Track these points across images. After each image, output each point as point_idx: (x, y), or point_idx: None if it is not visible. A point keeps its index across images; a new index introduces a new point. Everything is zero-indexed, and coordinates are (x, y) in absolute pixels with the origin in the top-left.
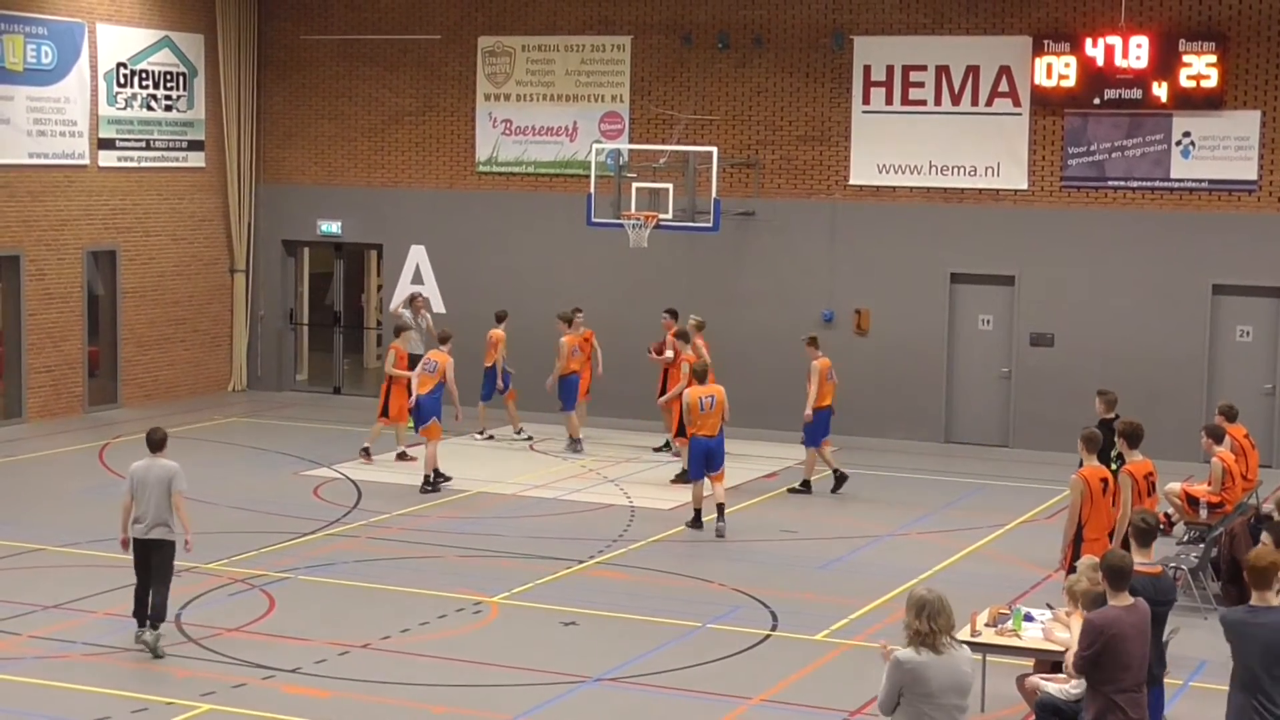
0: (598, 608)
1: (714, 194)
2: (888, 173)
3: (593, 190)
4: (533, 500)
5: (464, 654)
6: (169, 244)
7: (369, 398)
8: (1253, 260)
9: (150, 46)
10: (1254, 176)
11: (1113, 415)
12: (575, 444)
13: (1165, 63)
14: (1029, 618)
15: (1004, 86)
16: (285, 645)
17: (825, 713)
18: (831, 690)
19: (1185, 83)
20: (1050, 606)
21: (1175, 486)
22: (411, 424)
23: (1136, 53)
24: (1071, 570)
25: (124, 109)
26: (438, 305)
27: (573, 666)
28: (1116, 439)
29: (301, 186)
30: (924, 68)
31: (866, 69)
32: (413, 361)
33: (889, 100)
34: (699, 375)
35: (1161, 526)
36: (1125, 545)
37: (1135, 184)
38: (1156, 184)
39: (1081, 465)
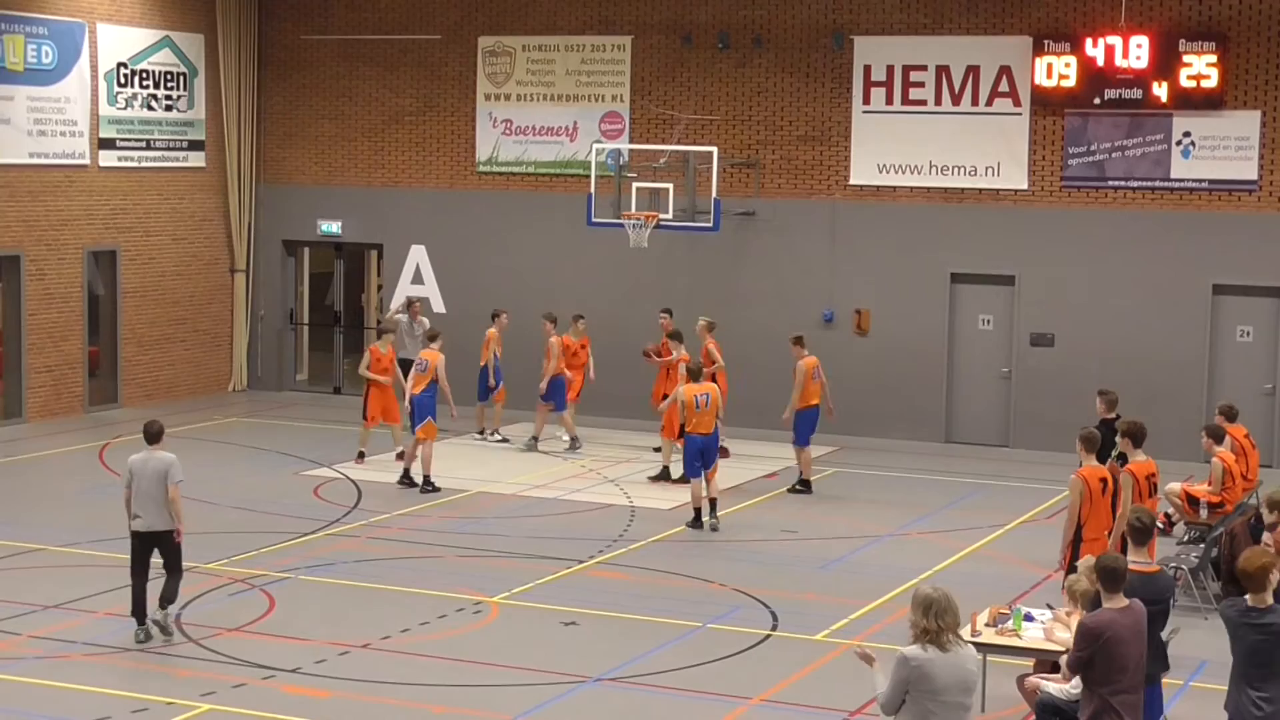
0: (598, 608)
1: (714, 194)
2: (888, 173)
3: (593, 190)
4: (533, 500)
5: (464, 654)
6: (169, 244)
7: None
8: (1253, 260)
9: (151, 46)
10: (1254, 176)
11: (1113, 415)
12: (574, 442)
13: (1165, 63)
14: (1029, 618)
15: (1004, 86)
16: (285, 645)
17: (826, 713)
18: (832, 690)
19: (1185, 83)
20: (1050, 606)
21: (1175, 486)
22: (407, 424)
23: (1137, 53)
24: (1071, 570)
25: (124, 109)
26: (438, 305)
27: (573, 666)
28: (1119, 439)
29: (302, 186)
30: (924, 68)
31: (867, 69)
32: (405, 366)
33: (889, 100)
34: (693, 374)
35: (1162, 526)
36: (1124, 546)
37: (1135, 184)
38: (1157, 184)
39: (1081, 465)
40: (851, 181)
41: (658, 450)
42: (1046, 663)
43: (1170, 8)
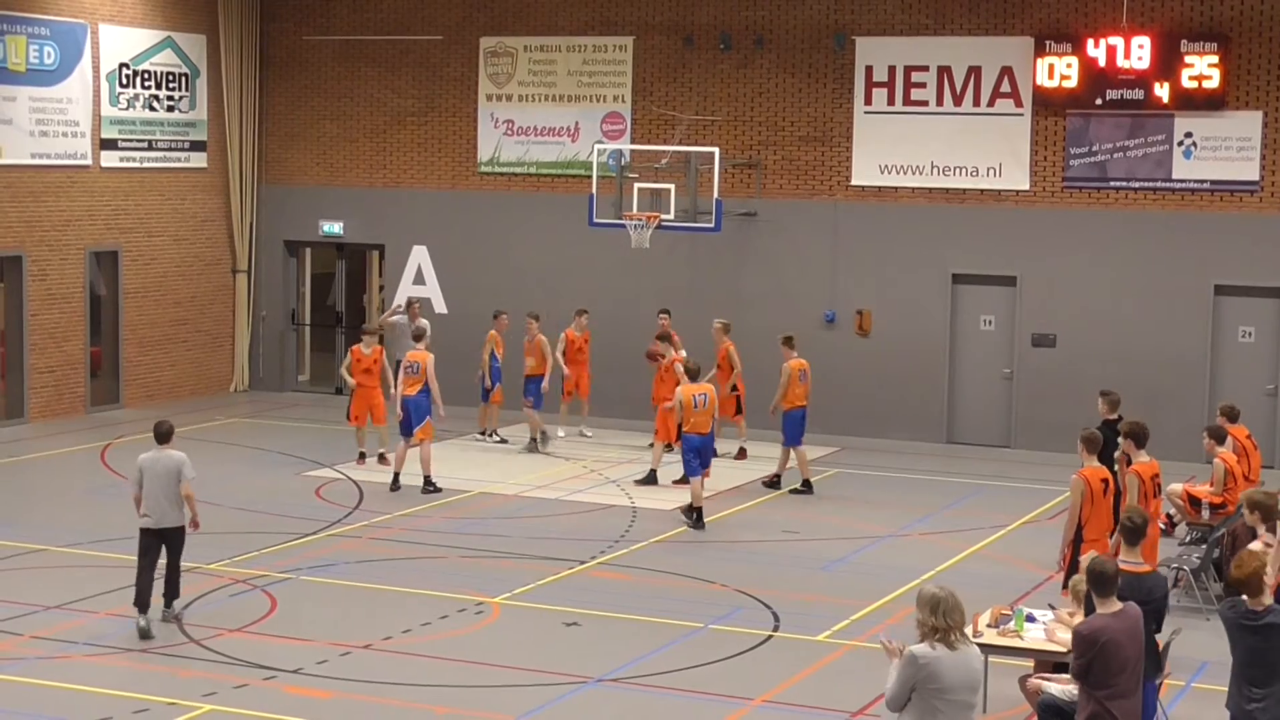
0: (600, 608)
1: (716, 194)
2: (889, 173)
3: (594, 191)
4: (534, 501)
5: (466, 655)
6: (171, 244)
7: None
8: (1254, 261)
9: (153, 47)
10: (1256, 177)
11: (1115, 416)
12: (537, 440)
13: (1167, 63)
14: (1031, 618)
15: (1006, 87)
16: (287, 646)
17: (827, 713)
18: (833, 691)
19: (1187, 83)
20: (1052, 607)
21: (1177, 487)
22: (399, 427)
23: (1138, 53)
24: (1073, 570)
25: (126, 109)
26: (439, 306)
27: (575, 667)
28: (1122, 440)
29: (303, 187)
30: (926, 68)
31: (868, 69)
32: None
33: (891, 101)
34: (692, 374)
35: (1164, 527)
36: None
37: (1137, 184)
38: (1158, 184)
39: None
40: (853, 182)
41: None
42: (1048, 663)
43: (1172, 8)
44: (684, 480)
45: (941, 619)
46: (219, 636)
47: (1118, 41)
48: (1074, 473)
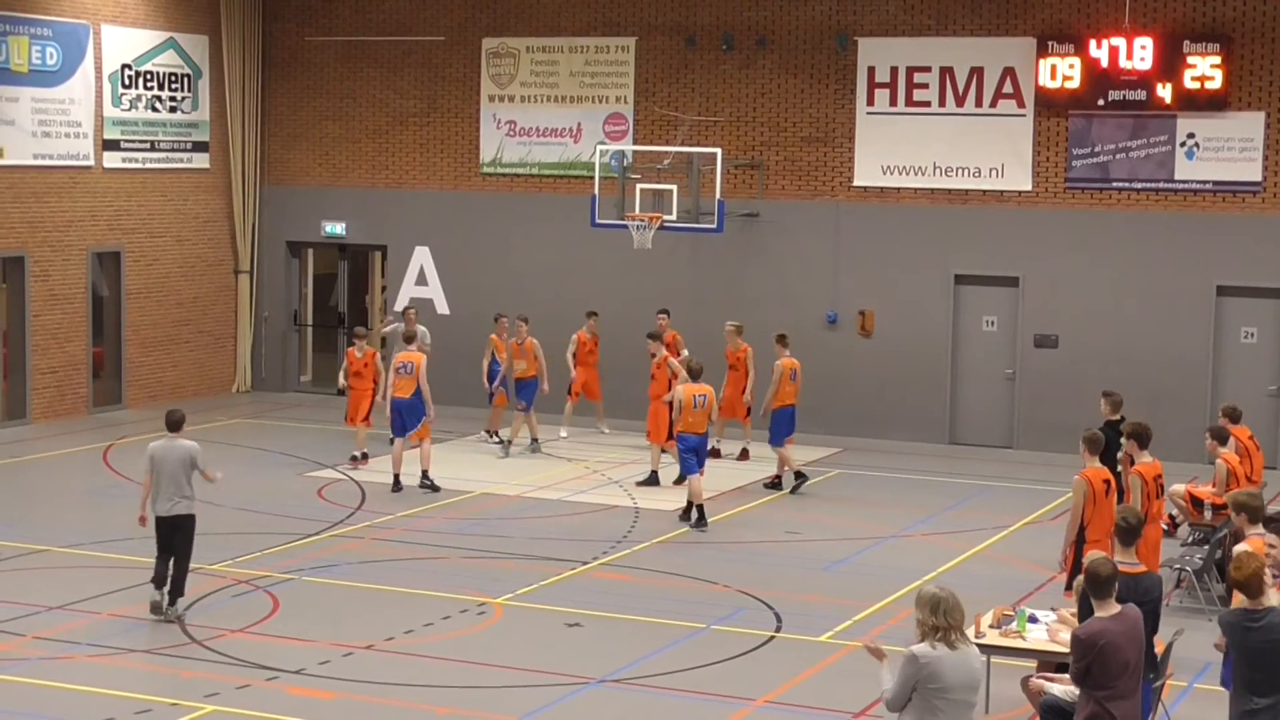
0: (602, 609)
1: (718, 195)
2: (892, 174)
3: (597, 191)
4: (536, 501)
5: (468, 655)
6: (173, 245)
7: None
8: (1257, 261)
9: (155, 48)
10: (1258, 178)
11: (1118, 417)
12: (508, 445)
13: (1169, 64)
14: (1033, 619)
15: (1008, 88)
16: (289, 646)
17: (829, 714)
18: (836, 692)
19: (1189, 84)
20: (1054, 609)
21: (1180, 488)
22: (391, 428)
23: (1141, 54)
24: (1076, 571)
25: (129, 110)
26: (441, 307)
27: (577, 668)
28: (1125, 441)
29: (306, 188)
30: (928, 69)
31: (871, 70)
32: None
33: (893, 101)
34: (693, 374)
35: (1166, 528)
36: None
37: (1139, 185)
38: (1161, 185)
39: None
40: (855, 183)
41: (663, 451)
42: (1050, 664)
43: (1174, 9)
44: (683, 480)
45: (942, 618)
46: (221, 637)
47: (1120, 42)
48: (1076, 473)
